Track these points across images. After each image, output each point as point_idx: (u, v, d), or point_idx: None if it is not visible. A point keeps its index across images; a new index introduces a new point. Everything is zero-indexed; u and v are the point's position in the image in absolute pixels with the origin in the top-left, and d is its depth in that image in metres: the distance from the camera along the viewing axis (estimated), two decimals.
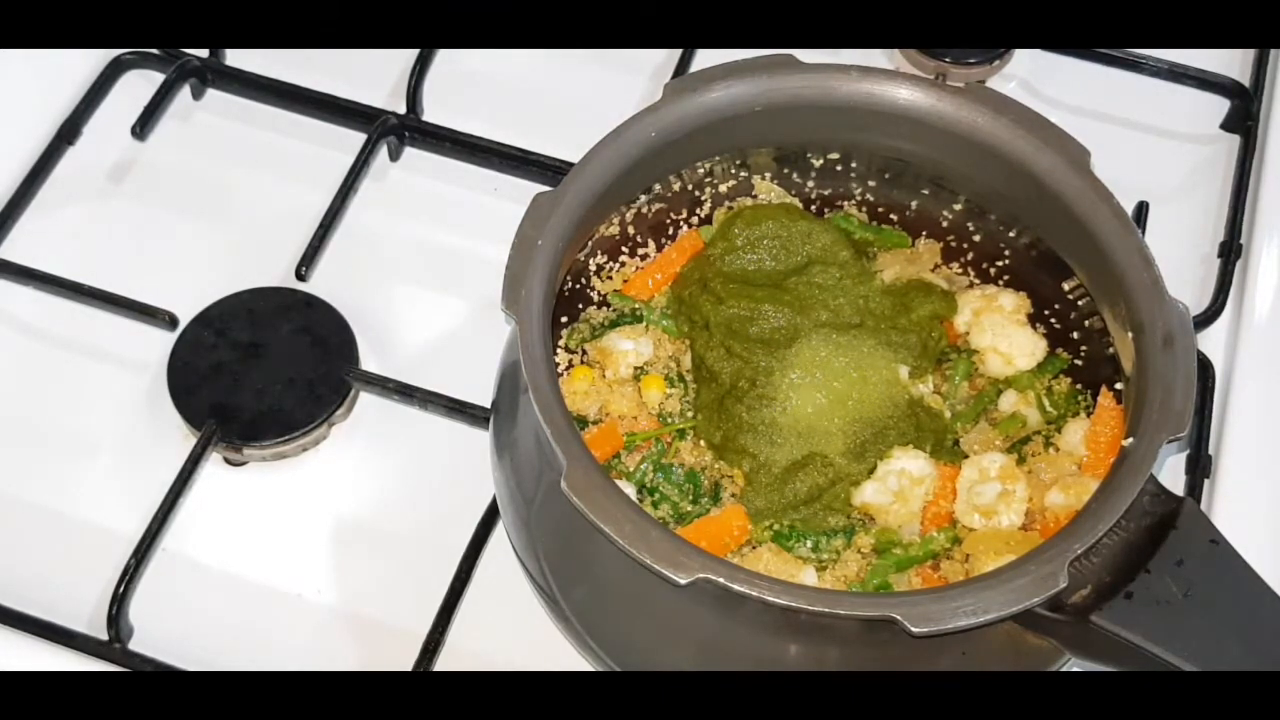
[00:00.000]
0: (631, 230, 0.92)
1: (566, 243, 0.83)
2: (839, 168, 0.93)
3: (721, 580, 0.70)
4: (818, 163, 0.93)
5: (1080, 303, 0.89)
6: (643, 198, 0.91)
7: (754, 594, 0.70)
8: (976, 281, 0.92)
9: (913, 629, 0.69)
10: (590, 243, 0.90)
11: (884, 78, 0.88)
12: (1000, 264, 0.92)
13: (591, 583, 0.82)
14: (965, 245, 0.93)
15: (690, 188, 0.92)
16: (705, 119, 0.87)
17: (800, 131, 0.91)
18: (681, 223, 0.93)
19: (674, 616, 0.78)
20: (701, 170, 0.92)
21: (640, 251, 0.92)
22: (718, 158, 0.92)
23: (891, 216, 0.93)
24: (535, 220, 0.81)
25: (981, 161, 0.88)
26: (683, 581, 0.70)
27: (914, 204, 0.93)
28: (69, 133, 1.10)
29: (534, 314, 0.78)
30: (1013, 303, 0.89)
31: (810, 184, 0.94)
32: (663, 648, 0.80)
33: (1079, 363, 0.88)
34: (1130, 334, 0.81)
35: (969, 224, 0.93)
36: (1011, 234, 0.91)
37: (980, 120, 0.87)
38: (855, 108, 0.89)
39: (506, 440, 0.85)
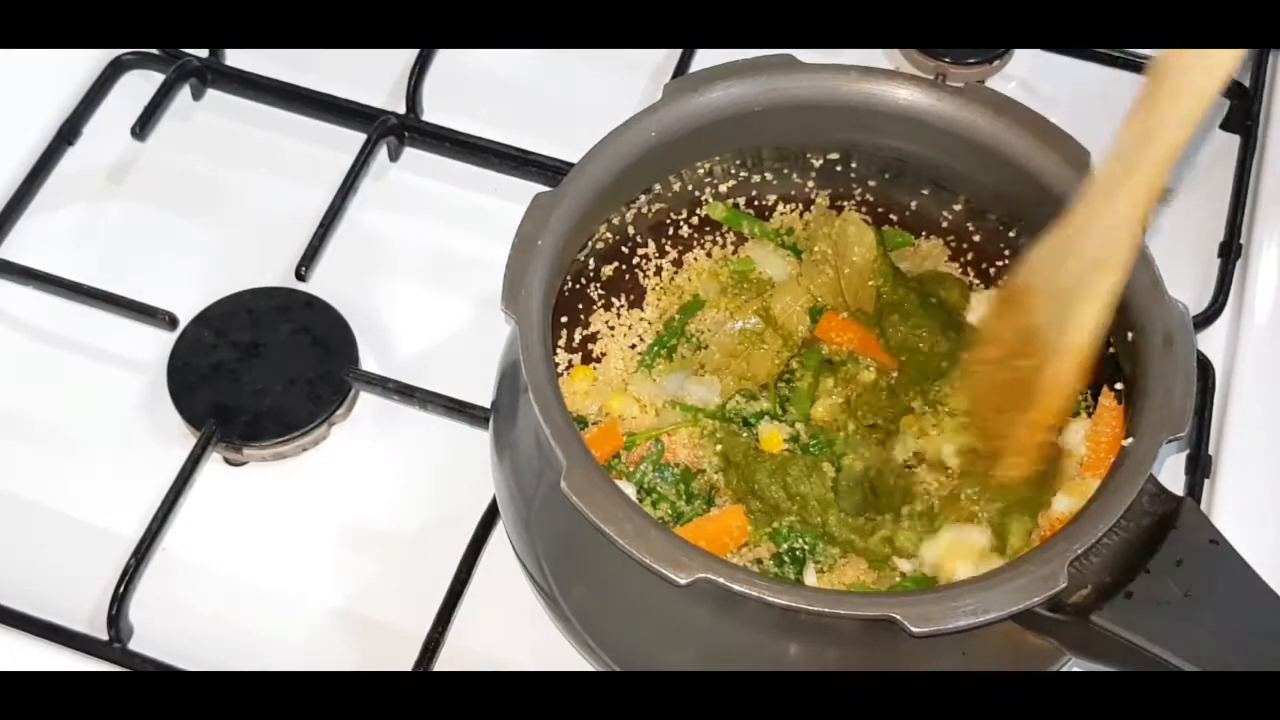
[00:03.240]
0: (631, 230, 0.92)
1: (566, 243, 0.83)
2: (839, 168, 0.93)
3: (721, 580, 0.70)
4: (818, 163, 0.93)
5: None
6: (643, 197, 0.91)
7: (754, 594, 0.70)
8: (977, 282, 0.92)
9: (913, 629, 0.69)
10: (590, 242, 0.90)
11: (884, 78, 0.88)
12: (1000, 264, 0.92)
13: (591, 583, 0.82)
14: (965, 245, 0.93)
15: (690, 188, 0.92)
16: (705, 119, 0.87)
17: (800, 131, 0.91)
18: (682, 222, 0.93)
19: (674, 616, 0.78)
20: (701, 170, 0.92)
21: (640, 251, 0.92)
22: (718, 157, 0.92)
23: (891, 216, 0.93)
24: (535, 220, 0.81)
25: (981, 161, 0.88)
26: (683, 581, 0.70)
27: (914, 204, 0.93)
28: (69, 133, 1.10)
29: (534, 314, 0.78)
30: None
31: (810, 184, 0.94)
32: (663, 647, 0.80)
33: None
34: (1130, 334, 0.81)
35: (969, 224, 0.93)
36: (1011, 234, 0.91)
37: (980, 120, 0.87)
38: (855, 108, 0.89)
39: (506, 440, 0.85)
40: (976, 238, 0.92)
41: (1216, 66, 0.72)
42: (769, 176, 0.93)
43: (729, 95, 0.87)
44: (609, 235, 0.91)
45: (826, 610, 0.71)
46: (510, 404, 0.85)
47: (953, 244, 0.93)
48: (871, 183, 0.93)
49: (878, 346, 0.89)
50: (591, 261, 0.91)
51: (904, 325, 0.88)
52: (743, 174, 0.93)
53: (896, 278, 0.89)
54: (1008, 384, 0.81)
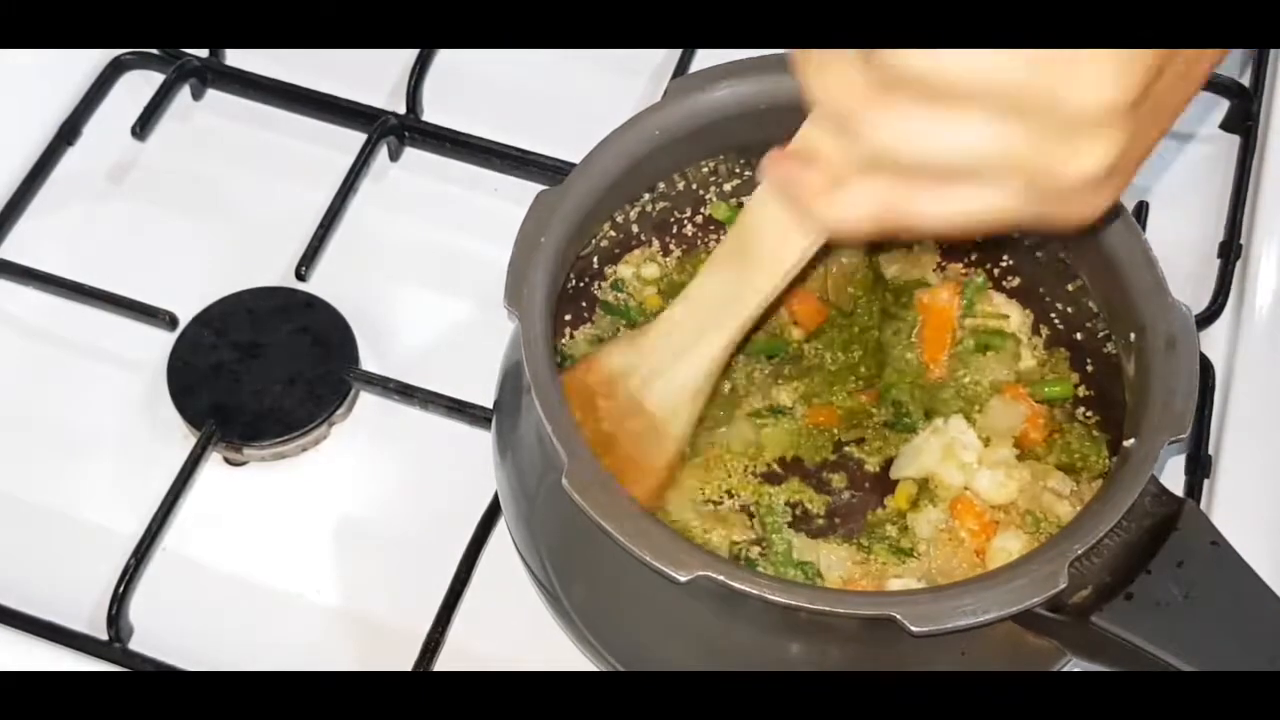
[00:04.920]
0: (635, 228, 0.92)
1: (569, 240, 0.83)
2: None
3: (721, 578, 0.70)
4: None
5: (1082, 303, 0.89)
6: (646, 196, 0.91)
7: (754, 592, 0.70)
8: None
9: (912, 628, 0.69)
10: (594, 240, 0.90)
11: None
12: (1002, 265, 0.92)
13: (593, 580, 0.81)
14: (967, 246, 0.93)
15: (694, 186, 0.92)
16: (709, 118, 0.87)
17: None
18: (686, 221, 0.93)
19: (675, 614, 0.78)
20: (705, 169, 0.92)
21: (645, 251, 0.92)
22: (721, 156, 0.91)
23: None
24: (538, 217, 0.81)
25: None
26: (683, 579, 0.70)
27: None
28: (69, 133, 1.10)
29: (536, 310, 0.78)
30: (1018, 319, 0.89)
31: None
32: (664, 645, 0.80)
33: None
34: (1132, 335, 0.81)
35: None
36: (1014, 235, 0.91)
37: None
38: None
39: (509, 439, 0.85)
40: (978, 238, 0.92)
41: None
42: None
43: (733, 94, 0.87)
44: (613, 233, 0.91)
45: (826, 609, 0.71)
46: (513, 403, 0.85)
47: (955, 245, 0.93)
48: None
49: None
50: (595, 259, 0.91)
51: (850, 332, 0.89)
52: (747, 173, 0.93)
53: (875, 288, 0.90)
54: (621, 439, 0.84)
